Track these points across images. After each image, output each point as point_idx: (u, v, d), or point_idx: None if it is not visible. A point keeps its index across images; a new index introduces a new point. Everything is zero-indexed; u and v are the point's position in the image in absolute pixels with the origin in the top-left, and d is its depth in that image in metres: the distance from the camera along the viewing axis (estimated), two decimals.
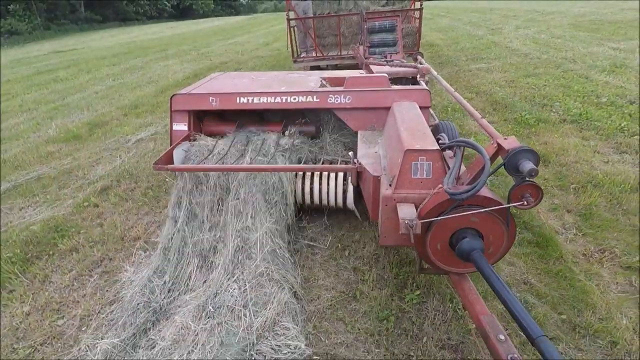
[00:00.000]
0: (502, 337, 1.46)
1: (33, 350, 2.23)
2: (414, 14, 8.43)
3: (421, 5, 7.77)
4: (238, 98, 3.05)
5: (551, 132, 4.73)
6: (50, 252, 3.09)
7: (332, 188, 2.87)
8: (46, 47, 23.28)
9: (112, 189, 4.04)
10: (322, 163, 3.04)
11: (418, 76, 3.87)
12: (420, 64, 4.52)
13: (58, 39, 30.48)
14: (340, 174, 2.89)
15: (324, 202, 2.92)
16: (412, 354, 2.02)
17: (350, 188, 2.82)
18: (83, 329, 2.31)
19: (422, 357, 1.99)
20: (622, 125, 4.67)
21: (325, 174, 2.93)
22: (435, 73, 3.87)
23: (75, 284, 2.72)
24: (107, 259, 2.96)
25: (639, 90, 5.86)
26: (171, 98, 3.12)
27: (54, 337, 2.29)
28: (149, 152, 5.00)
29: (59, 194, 4.05)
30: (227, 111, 3.22)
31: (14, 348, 2.25)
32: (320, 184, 2.90)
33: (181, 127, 3.14)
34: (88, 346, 2.09)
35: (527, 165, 1.59)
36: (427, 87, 3.08)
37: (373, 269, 2.59)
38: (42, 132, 6.29)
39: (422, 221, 1.70)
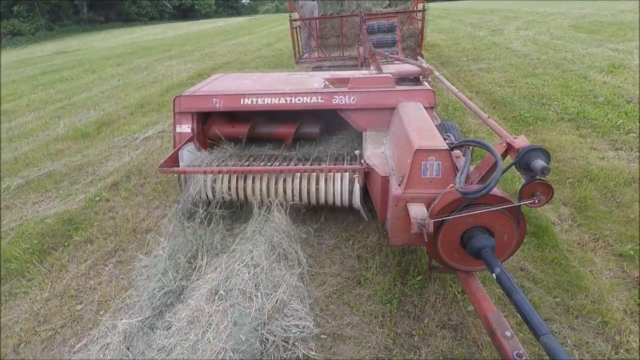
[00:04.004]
0: (508, 333, 1.49)
1: (54, 332, 2.35)
2: (416, 15, 8.47)
3: (424, 7, 7.80)
4: (242, 99, 3.05)
5: (549, 129, 4.85)
6: (66, 244, 3.21)
7: (337, 188, 2.80)
8: (49, 48, 23.44)
9: (122, 184, 4.17)
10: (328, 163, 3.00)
11: (421, 77, 3.88)
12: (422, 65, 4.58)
13: (61, 39, 30.68)
14: (347, 174, 2.81)
15: (330, 202, 2.85)
16: (414, 333, 2.13)
17: (357, 188, 2.75)
18: (101, 312, 2.44)
19: (423, 335, 2.11)
20: (619, 123, 4.79)
21: (330, 173, 2.85)
22: (437, 74, 3.88)
23: (91, 272, 2.85)
24: (120, 249, 3.08)
25: (639, 89, 5.97)
26: (174, 99, 3.12)
27: (73, 321, 2.42)
28: (157, 149, 5.12)
29: (71, 189, 4.18)
30: (235, 112, 3.22)
31: (35, 331, 2.37)
32: (326, 184, 2.83)
33: (185, 128, 3.15)
34: (107, 327, 2.21)
35: (539, 163, 1.60)
36: (431, 88, 3.11)
37: (376, 257, 2.71)
38: (51, 130, 6.42)
39: (434, 220, 1.72)
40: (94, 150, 5.29)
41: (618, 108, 5.31)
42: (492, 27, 15.91)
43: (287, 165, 2.99)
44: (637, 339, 2.02)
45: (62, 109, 7.82)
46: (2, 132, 6.56)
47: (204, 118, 3.34)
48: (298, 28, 8.44)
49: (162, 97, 8.08)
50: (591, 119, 5.01)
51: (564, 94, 6.18)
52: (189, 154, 3.06)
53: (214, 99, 3.08)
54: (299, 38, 8.43)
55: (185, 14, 54.36)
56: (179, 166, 2.92)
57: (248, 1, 73.12)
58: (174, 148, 3.04)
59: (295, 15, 8.26)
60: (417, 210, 1.78)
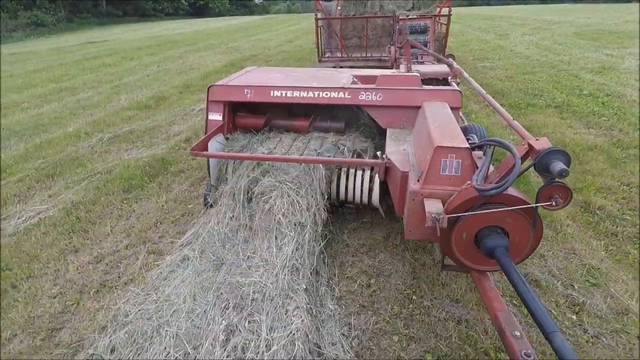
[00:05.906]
0: (517, 333, 1.50)
1: (176, 219, 3.44)
2: (439, 19, 8.64)
3: (449, 11, 8.06)
4: (272, 91, 3.16)
5: (537, 113, 5.90)
6: (164, 172, 4.32)
7: (358, 184, 2.91)
8: (75, 39, 24.67)
9: (193, 139, 5.26)
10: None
11: (450, 77, 4.05)
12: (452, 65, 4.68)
13: (81, 31, 31.95)
14: (367, 171, 2.95)
15: (350, 198, 2.98)
16: None
17: (377, 185, 2.85)
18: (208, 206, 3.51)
19: None
20: (595, 110, 5.84)
21: (352, 170, 3.00)
22: (466, 75, 4.14)
23: (191, 188, 3.95)
24: (208, 177, 4.16)
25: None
26: (208, 88, 3.28)
27: (188, 213, 3.51)
28: None
29: (152, 142, 5.29)
30: (260, 104, 3.36)
31: (165, 217, 3.46)
32: (347, 179, 2.97)
33: (216, 116, 3.28)
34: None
35: (558, 165, 1.57)
36: (458, 88, 3.18)
37: None
38: (115, 102, 7.55)
39: (449, 216, 1.75)
40: (160, 117, 6.41)
41: (597, 99, 6.35)
42: (499, 32, 16.95)
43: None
44: (572, 230, 3.08)
45: (117, 87, 8.96)
46: (72, 102, 7.72)
47: (234, 109, 3.48)
48: (320, 27, 8.48)
49: (203, 80, 9.18)
50: (573, 107, 6.06)
51: (555, 87, 7.23)
52: (219, 145, 3.24)
53: (245, 90, 3.20)
54: (321, 37, 8.56)
55: (199, 11, 55.75)
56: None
57: (261, 1, 74.32)
58: (206, 134, 3.22)
59: (321, 14, 8.52)
60: (433, 205, 1.83)
